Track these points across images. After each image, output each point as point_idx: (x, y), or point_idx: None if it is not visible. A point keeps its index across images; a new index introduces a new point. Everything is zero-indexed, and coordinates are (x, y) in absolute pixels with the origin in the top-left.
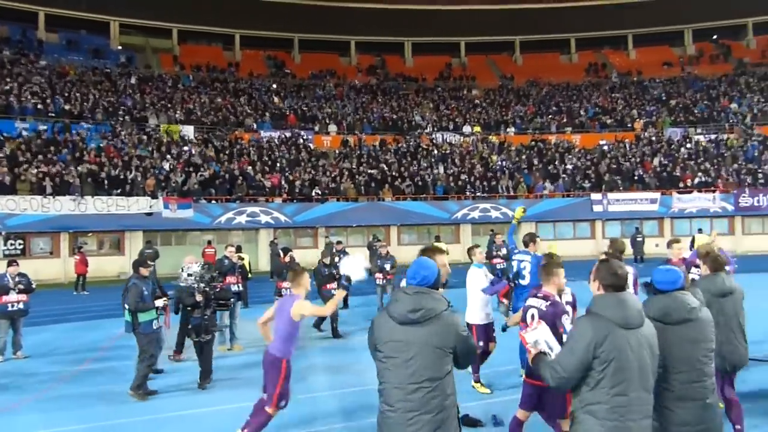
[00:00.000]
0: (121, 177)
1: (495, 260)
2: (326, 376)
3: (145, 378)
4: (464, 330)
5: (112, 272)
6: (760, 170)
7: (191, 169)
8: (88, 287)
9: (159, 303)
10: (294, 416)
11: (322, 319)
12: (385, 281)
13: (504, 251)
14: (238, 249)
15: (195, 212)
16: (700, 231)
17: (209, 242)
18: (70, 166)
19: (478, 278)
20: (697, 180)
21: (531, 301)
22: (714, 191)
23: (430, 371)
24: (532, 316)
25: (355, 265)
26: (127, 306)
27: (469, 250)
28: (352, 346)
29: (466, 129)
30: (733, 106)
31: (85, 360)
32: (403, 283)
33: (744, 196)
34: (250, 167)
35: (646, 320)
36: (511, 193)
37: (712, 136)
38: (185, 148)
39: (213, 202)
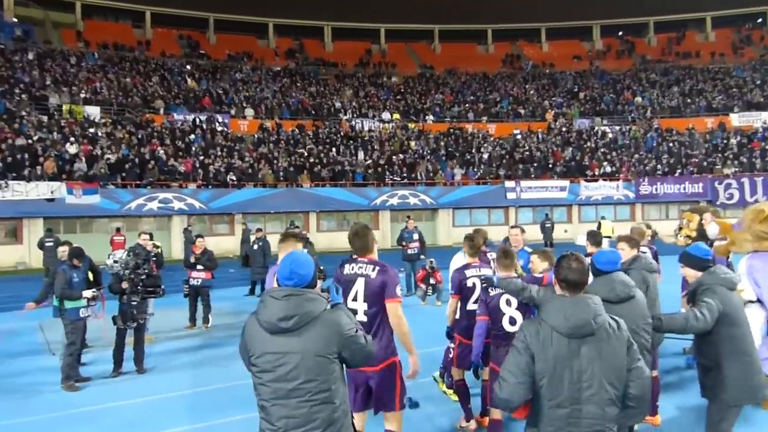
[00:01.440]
0: (18, 159)
1: (407, 245)
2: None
3: (70, 368)
4: (349, 328)
5: (8, 262)
6: (658, 161)
7: (98, 152)
8: None
9: (87, 294)
10: (212, 404)
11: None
12: None
13: (416, 236)
14: (150, 237)
15: (102, 198)
16: (603, 218)
17: (118, 230)
18: None
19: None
20: (602, 169)
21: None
22: (618, 180)
23: (313, 383)
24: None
25: None
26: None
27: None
28: None
29: (386, 116)
30: (637, 99)
31: None
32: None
33: (644, 185)
34: (162, 151)
35: (610, 326)
36: (430, 180)
37: (617, 128)
38: (91, 130)
39: (122, 187)
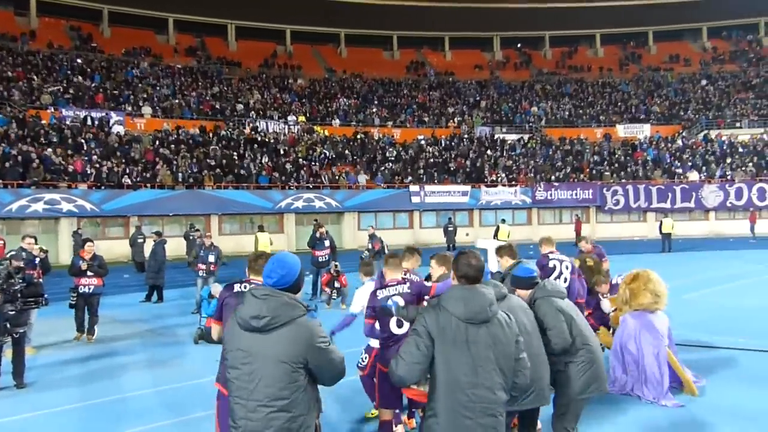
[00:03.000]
0: None
1: (317, 252)
2: (147, 371)
3: None
4: (322, 340)
5: None
6: (552, 168)
7: None
8: None
9: None
10: (102, 417)
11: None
12: (206, 273)
13: (327, 243)
14: (35, 240)
15: None
16: (503, 221)
17: None
18: None
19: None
20: (501, 176)
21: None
22: (515, 186)
23: (272, 389)
24: None
25: None
26: None
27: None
28: (172, 341)
29: (291, 119)
30: (534, 109)
31: None
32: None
33: (539, 191)
34: (49, 149)
35: (502, 317)
36: (335, 184)
37: (515, 136)
38: None
39: (2, 187)
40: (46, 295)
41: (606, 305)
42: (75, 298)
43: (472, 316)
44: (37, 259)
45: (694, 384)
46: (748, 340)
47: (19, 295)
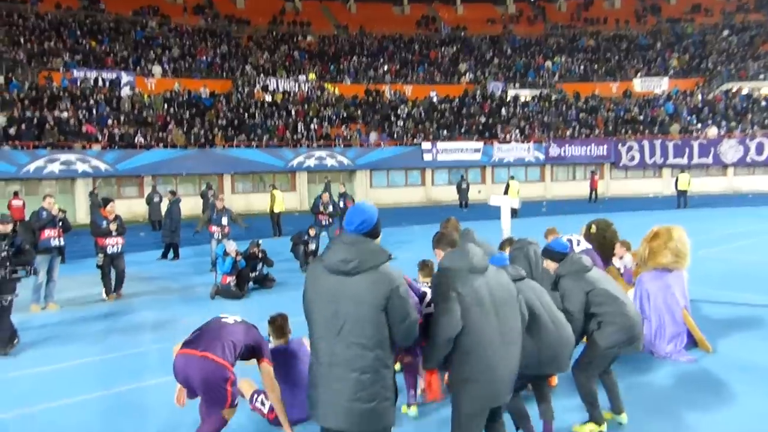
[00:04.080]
0: None
1: (321, 216)
2: (167, 326)
3: None
4: (401, 285)
5: None
6: (566, 124)
7: None
8: None
9: None
10: (123, 370)
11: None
12: (220, 235)
13: (330, 209)
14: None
15: None
16: (512, 178)
17: (16, 193)
18: None
19: None
20: (514, 132)
21: None
22: (529, 142)
23: (358, 328)
24: None
25: None
26: None
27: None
28: (189, 297)
29: (301, 77)
30: (547, 64)
31: None
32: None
33: (553, 147)
34: (64, 113)
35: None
36: (347, 142)
37: (528, 92)
38: None
39: (18, 148)
40: (35, 264)
41: (628, 260)
42: (102, 259)
43: (473, 266)
44: (57, 219)
45: (707, 342)
46: (763, 297)
47: (7, 263)
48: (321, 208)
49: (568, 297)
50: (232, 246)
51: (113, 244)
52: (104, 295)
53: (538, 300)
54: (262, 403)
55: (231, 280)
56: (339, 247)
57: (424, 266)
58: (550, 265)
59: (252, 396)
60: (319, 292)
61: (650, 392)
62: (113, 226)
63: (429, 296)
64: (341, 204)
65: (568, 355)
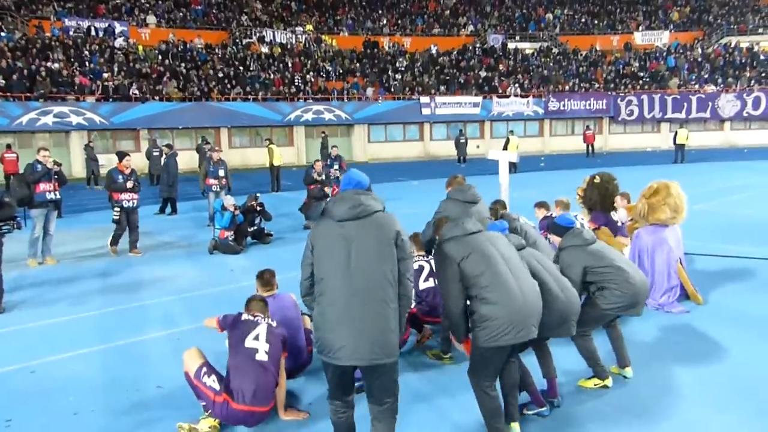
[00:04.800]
0: None
1: (312, 186)
2: (166, 280)
3: None
4: (403, 230)
5: None
6: (566, 78)
7: None
8: None
9: None
10: (122, 324)
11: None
12: (218, 187)
13: (323, 177)
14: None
15: None
16: (512, 132)
17: (9, 146)
18: None
19: None
20: (513, 87)
21: None
22: (527, 96)
23: (373, 263)
24: None
25: None
26: None
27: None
28: (187, 252)
29: (299, 29)
30: (548, 16)
31: None
32: None
33: (552, 101)
34: (56, 63)
35: None
36: (345, 95)
37: (528, 44)
38: None
39: (10, 100)
40: (18, 219)
41: (622, 214)
42: (118, 212)
43: (469, 228)
44: (53, 171)
45: (699, 294)
46: (757, 249)
47: None
48: (315, 177)
49: (568, 267)
50: (230, 201)
51: (128, 198)
52: (109, 247)
53: (541, 265)
54: (213, 383)
55: (229, 234)
56: (343, 200)
57: (414, 238)
58: (556, 240)
59: (200, 369)
60: (330, 239)
61: (642, 343)
62: (130, 184)
63: (426, 271)
64: (336, 166)
65: (575, 319)
